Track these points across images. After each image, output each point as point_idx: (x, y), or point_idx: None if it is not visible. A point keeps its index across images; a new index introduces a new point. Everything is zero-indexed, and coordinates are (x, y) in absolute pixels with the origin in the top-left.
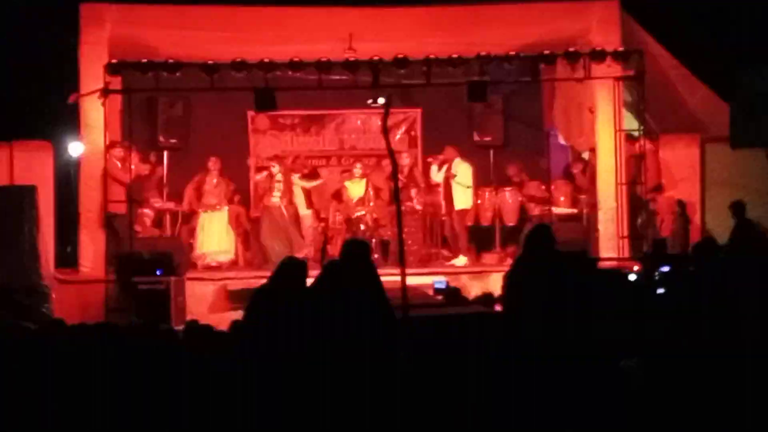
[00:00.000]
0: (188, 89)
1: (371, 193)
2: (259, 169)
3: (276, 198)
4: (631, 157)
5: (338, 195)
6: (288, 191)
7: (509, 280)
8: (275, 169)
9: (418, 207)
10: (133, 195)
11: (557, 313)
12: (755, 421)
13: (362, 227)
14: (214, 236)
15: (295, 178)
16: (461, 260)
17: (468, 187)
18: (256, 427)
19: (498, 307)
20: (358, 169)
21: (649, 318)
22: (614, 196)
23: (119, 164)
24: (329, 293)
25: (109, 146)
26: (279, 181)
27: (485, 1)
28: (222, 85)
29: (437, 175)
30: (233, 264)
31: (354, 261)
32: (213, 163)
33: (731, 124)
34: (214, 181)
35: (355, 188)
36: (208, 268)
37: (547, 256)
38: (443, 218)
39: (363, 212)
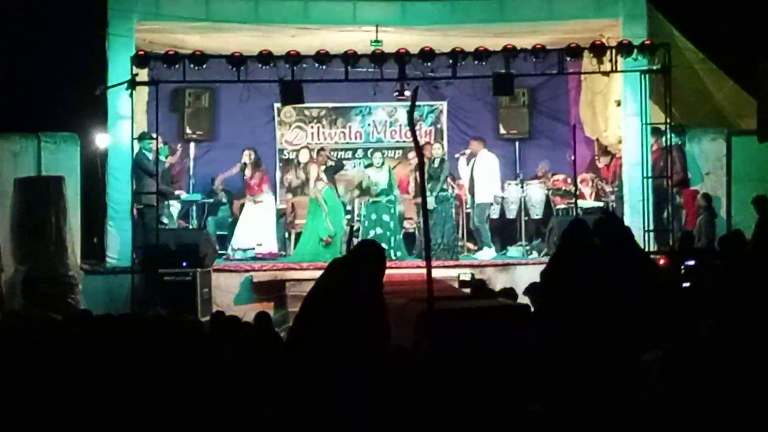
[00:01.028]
0: (215, 81)
1: (393, 181)
2: (287, 162)
3: (320, 186)
4: (657, 150)
5: (362, 187)
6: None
7: (548, 276)
8: (305, 157)
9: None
10: (161, 187)
11: (595, 306)
12: None
13: (386, 217)
14: (256, 228)
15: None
16: (486, 253)
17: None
18: (280, 419)
19: (524, 300)
20: (378, 158)
21: (673, 310)
22: (640, 189)
23: (149, 156)
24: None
25: (140, 138)
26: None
27: None
28: (248, 78)
29: (465, 169)
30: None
31: (364, 262)
32: (247, 156)
33: (759, 117)
34: (248, 173)
35: (379, 175)
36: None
37: (587, 251)
38: (468, 211)
39: (387, 201)
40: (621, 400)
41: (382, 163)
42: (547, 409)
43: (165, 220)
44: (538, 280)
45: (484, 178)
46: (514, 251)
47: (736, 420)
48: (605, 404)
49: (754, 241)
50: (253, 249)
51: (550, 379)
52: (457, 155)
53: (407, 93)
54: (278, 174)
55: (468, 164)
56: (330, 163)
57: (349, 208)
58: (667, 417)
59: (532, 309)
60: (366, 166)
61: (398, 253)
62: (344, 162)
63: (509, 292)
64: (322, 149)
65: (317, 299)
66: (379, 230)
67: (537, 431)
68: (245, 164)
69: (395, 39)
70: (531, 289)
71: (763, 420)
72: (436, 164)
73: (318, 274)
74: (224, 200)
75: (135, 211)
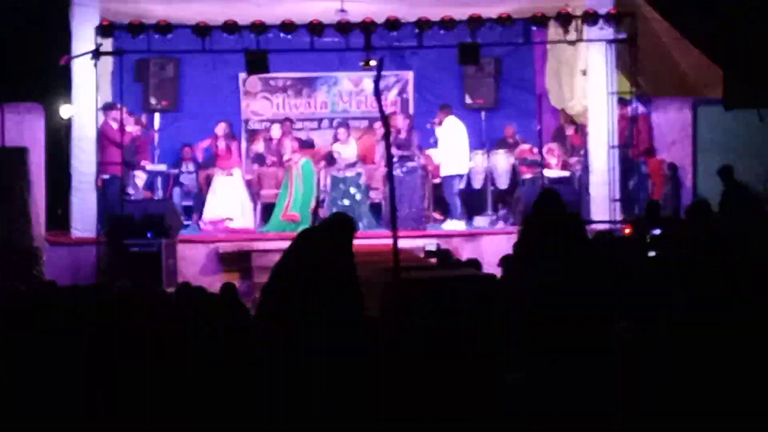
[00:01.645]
0: (179, 51)
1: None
2: (252, 132)
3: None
4: (623, 120)
5: (329, 158)
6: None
7: (520, 247)
8: (278, 132)
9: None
10: (126, 157)
11: (569, 279)
12: (747, 383)
13: (352, 189)
14: (227, 200)
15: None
16: (453, 225)
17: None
18: (248, 390)
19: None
20: (342, 133)
21: (641, 280)
22: (606, 159)
23: (115, 126)
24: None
25: (105, 108)
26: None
27: None
28: (213, 48)
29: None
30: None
31: (335, 234)
32: (221, 128)
33: (725, 85)
34: (223, 145)
35: (347, 150)
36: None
37: (561, 221)
38: (435, 181)
39: (354, 174)
40: (595, 370)
41: (347, 136)
42: (524, 379)
43: (130, 191)
44: (505, 250)
45: (451, 148)
46: (480, 221)
47: (712, 391)
48: (580, 373)
49: (720, 210)
50: (221, 220)
51: (525, 349)
52: (428, 125)
53: (373, 63)
54: (244, 145)
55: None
56: (300, 136)
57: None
58: (640, 387)
59: (502, 279)
60: (332, 142)
61: (365, 222)
62: (310, 132)
63: (474, 263)
64: (287, 119)
65: (288, 270)
66: (346, 202)
67: (514, 401)
68: (217, 136)
69: (361, 8)
70: (504, 261)
71: (739, 390)
72: (402, 134)
73: (284, 245)
74: (192, 169)
75: (100, 182)
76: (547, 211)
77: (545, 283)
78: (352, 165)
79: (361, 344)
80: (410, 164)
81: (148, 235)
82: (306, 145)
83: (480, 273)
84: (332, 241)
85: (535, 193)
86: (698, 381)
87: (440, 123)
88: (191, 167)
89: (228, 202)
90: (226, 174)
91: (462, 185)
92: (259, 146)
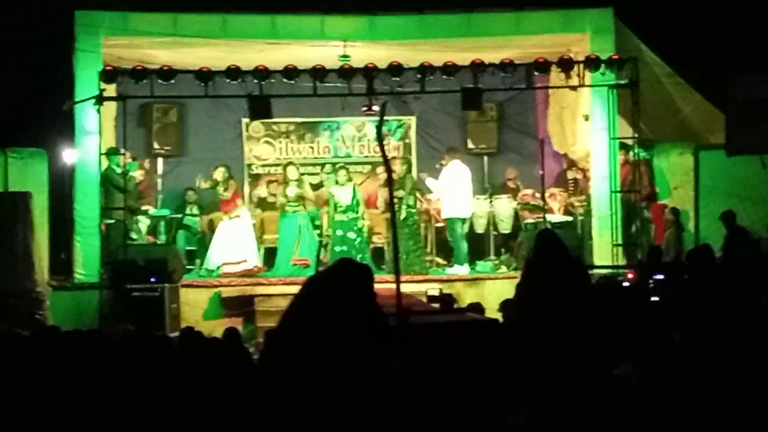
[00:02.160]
0: (182, 96)
1: (359, 198)
2: (255, 177)
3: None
4: (626, 164)
5: (328, 203)
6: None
7: (522, 290)
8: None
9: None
10: (129, 202)
11: (567, 320)
12: (751, 424)
13: (351, 234)
14: (236, 244)
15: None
16: (458, 270)
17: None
18: None
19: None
20: (342, 176)
21: (643, 325)
22: (608, 203)
23: (118, 170)
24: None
25: (109, 153)
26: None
27: (480, 8)
28: (216, 93)
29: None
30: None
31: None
32: (220, 173)
33: (727, 131)
34: (221, 189)
35: (343, 194)
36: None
37: (561, 262)
38: (438, 225)
39: (352, 218)
40: (596, 414)
41: (347, 179)
42: (526, 422)
43: (133, 236)
44: (507, 295)
45: (455, 191)
46: (482, 266)
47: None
48: (581, 418)
49: (723, 256)
50: (237, 264)
51: (527, 392)
52: (437, 165)
53: (375, 108)
54: (246, 189)
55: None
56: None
57: (317, 223)
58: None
59: (504, 324)
60: (331, 184)
61: None
62: (312, 177)
63: (477, 307)
64: (290, 163)
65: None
66: (344, 247)
67: None
68: (217, 181)
69: (363, 54)
70: (505, 305)
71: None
72: (406, 181)
73: (287, 289)
74: (196, 212)
75: (103, 227)
76: (547, 254)
77: (546, 326)
78: (351, 209)
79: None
80: (409, 210)
81: (151, 279)
82: (318, 187)
83: (482, 318)
84: (346, 288)
85: None
86: (701, 425)
87: (445, 164)
88: (195, 210)
89: (237, 245)
90: (231, 217)
91: (465, 229)
92: (262, 190)
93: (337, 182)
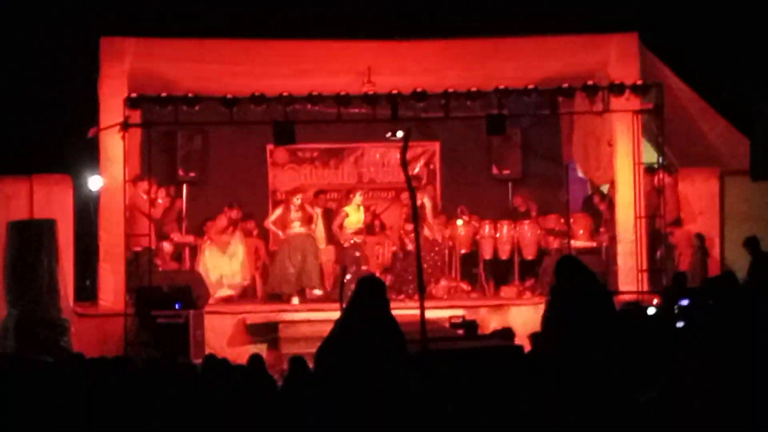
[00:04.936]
0: (207, 123)
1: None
2: (276, 203)
3: (296, 228)
4: (651, 190)
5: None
6: (307, 223)
7: (548, 316)
8: (297, 200)
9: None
10: (155, 229)
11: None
12: None
13: (357, 254)
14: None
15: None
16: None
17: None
18: None
19: (520, 341)
20: (357, 198)
21: (668, 351)
22: (633, 229)
23: (144, 197)
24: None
25: (135, 179)
26: (299, 212)
27: (504, 34)
28: (241, 119)
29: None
30: (251, 297)
31: (368, 300)
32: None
33: (752, 155)
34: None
35: (354, 216)
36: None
37: (583, 289)
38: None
39: (360, 240)
40: None
41: (359, 203)
42: None
43: (158, 262)
44: (532, 321)
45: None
46: (507, 291)
47: None
48: None
49: (747, 281)
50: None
51: (552, 420)
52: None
53: (400, 133)
54: (270, 215)
55: None
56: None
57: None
58: None
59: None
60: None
61: None
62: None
63: (506, 333)
64: (321, 192)
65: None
66: (353, 268)
67: None
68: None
69: (388, 79)
70: (535, 336)
71: None
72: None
73: (312, 315)
74: None
75: (128, 254)
76: (569, 281)
77: (572, 353)
78: (360, 232)
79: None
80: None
81: (176, 306)
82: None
83: (506, 343)
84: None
85: None
86: None
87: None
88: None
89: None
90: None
91: (488, 255)
92: (286, 216)
93: (353, 205)
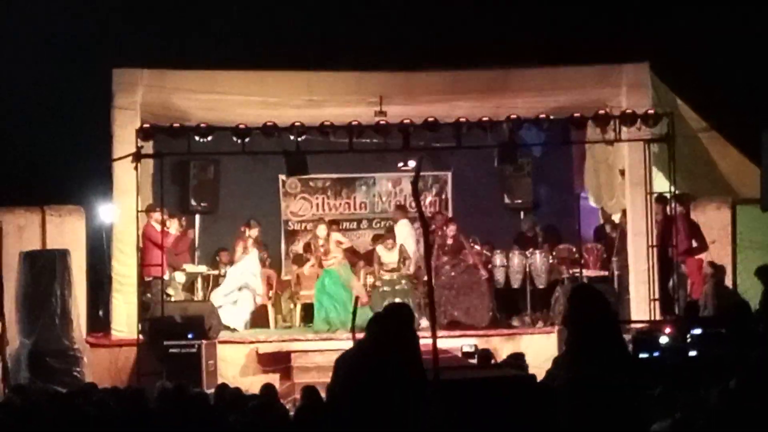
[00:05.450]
0: (219, 153)
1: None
2: (292, 233)
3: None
4: (662, 219)
5: (368, 258)
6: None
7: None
8: (321, 231)
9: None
10: (167, 259)
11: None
12: None
13: (396, 287)
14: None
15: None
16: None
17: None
18: None
19: (532, 371)
20: (389, 243)
21: (681, 380)
22: (645, 258)
23: (157, 227)
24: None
25: (147, 209)
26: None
27: (515, 65)
28: (253, 150)
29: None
30: (263, 326)
31: (396, 325)
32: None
33: (762, 185)
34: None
35: (389, 256)
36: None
37: (594, 318)
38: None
39: (395, 276)
40: None
41: (393, 245)
42: None
43: (170, 292)
44: (544, 350)
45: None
46: (519, 321)
47: None
48: None
49: (760, 310)
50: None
51: None
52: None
53: (411, 163)
54: (283, 245)
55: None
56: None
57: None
58: None
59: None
60: (375, 239)
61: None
62: (349, 233)
63: (518, 357)
64: (333, 222)
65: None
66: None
67: None
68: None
69: (399, 110)
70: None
71: None
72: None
73: (324, 345)
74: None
75: (141, 284)
76: (581, 311)
77: (583, 383)
78: (395, 269)
79: None
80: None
81: (189, 336)
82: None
83: (519, 373)
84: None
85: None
86: None
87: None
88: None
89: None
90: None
91: (500, 284)
92: (299, 247)
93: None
